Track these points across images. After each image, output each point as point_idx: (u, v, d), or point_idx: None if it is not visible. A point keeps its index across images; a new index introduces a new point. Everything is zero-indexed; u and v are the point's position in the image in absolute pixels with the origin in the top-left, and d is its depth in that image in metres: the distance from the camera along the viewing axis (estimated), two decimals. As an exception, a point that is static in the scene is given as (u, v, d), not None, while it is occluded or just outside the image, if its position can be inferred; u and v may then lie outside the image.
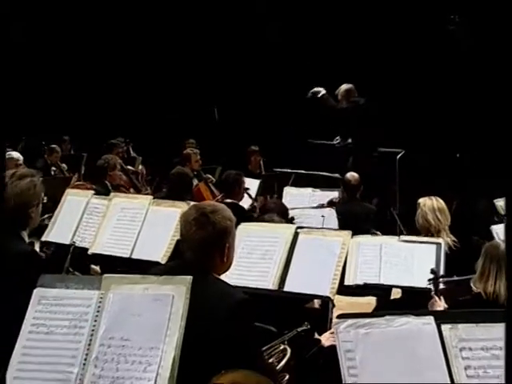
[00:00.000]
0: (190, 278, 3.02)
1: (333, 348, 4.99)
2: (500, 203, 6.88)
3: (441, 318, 2.69)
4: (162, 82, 13.01)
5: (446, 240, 5.95)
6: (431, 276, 4.89)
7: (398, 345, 2.67)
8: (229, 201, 6.98)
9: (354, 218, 6.97)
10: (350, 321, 2.72)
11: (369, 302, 5.98)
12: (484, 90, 9.91)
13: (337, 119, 10.23)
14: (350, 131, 10.15)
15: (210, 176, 9.72)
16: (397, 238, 5.76)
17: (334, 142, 10.25)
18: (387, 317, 2.69)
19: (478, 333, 2.63)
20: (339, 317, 2.76)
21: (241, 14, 12.69)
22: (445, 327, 2.65)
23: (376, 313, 2.91)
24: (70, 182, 7.72)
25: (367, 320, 2.71)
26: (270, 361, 3.82)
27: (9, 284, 3.70)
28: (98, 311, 3.00)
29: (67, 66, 13.76)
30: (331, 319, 5.61)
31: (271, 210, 5.71)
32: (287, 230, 4.78)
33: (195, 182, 8.83)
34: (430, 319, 2.68)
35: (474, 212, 8.30)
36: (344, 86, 10.13)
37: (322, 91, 10.14)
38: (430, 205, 6.28)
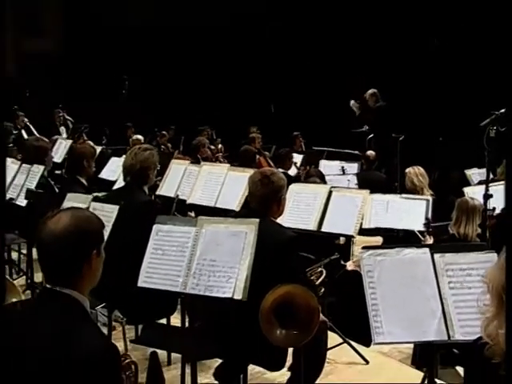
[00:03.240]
0: (257, 220, 3.06)
1: (354, 271, 5.04)
2: (469, 173, 6.89)
3: (433, 249, 2.72)
4: (237, 85, 13.00)
5: (426, 194, 6.06)
6: (425, 222, 4.92)
7: (404, 267, 2.71)
8: (281, 170, 6.98)
9: (371, 182, 6.93)
10: (371, 251, 2.75)
11: (377, 241, 6.02)
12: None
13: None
14: (370, 123, 10.25)
15: (267, 153, 9.70)
16: (399, 195, 5.78)
17: (364, 129, 10.36)
18: (397, 248, 2.73)
19: (457, 259, 2.69)
20: (363, 248, 2.78)
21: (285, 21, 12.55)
22: (436, 255, 2.71)
23: (388, 245, 2.90)
24: (173, 156, 7.76)
25: (382, 250, 2.75)
26: (311, 278, 3.85)
27: (137, 222, 3.75)
28: (194, 241, 3.06)
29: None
30: (353, 251, 5.65)
31: (313, 175, 5.71)
32: (324, 188, 4.77)
33: (257, 156, 8.86)
34: (426, 250, 2.71)
35: (450, 179, 8.27)
36: (370, 91, 10.36)
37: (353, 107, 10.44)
38: (414, 171, 6.38)
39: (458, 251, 2.74)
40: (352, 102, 10.62)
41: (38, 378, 1.83)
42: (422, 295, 2.67)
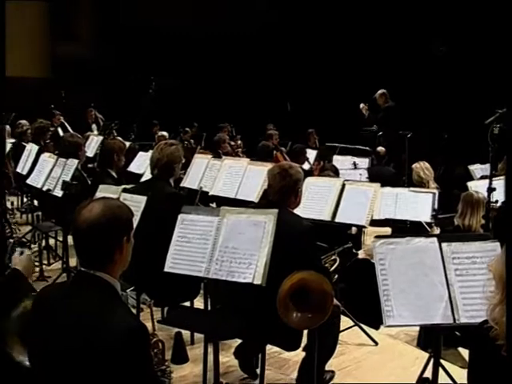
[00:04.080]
0: (276, 210, 3.04)
1: (364, 260, 5.01)
2: (472, 168, 6.82)
3: (441, 239, 2.69)
4: (255, 85, 12.95)
5: (432, 187, 6.03)
6: (433, 213, 4.89)
7: (413, 256, 2.68)
8: (296, 165, 6.93)
9: (381, 176, 6.88)
10: (383, 240, 2.73)
11: (386, 231, 5.98)
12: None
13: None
14: (379, 122, 10.20)
15: (283, 148, 9.66)
16: (407, 189, 5.74)
17: (373, 129, 10.32)
18: (407, 237, 2.70)
19: (463, 248, 2.65)
20: (376, 237, 2.75)
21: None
22: (444, 244, 2.68)
23: (399, 234, 2.87)
24: (196, 151, 7.75)
25: (394, 239, 2.72)
26: (326, 265, 3.83)
27: (164, 212, 3.73)
28: (217, 229, 3.04)
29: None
30: (363, 241, 5.61)
31: (327, 169, 5.68)
32: (338, 181, 4.73)
33: (274, 152, 8.81)
34: (435, 239, 2.68)
35: (454, 174, 8.21)
36: (380, 91, 10.31)
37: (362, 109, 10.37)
38: (420, 166, 6.36)
39: (463, 241, 2.72)
40: (361, 105, 10.55)
41: (74, 354, 1.83)
42: (430, 281, 2.65)
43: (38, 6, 16.57)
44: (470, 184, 5.81)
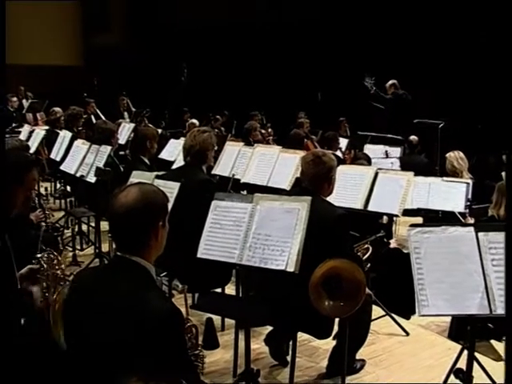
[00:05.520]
0: (310, 198, 3.01)
1: (396, 249, 4.96)
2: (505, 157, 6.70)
3: (478, 228, 2.63)
4: (286, 74, 12.88)
5: (465, 177, 5.92)
6: (468, 203, 4.81)
7: (449, 245, 2.63)
8: (329, 152, 6.86)
9: (413, 165, 6.76)
10: (418, 228, 2.69)
11: (418, 221, 5.89)
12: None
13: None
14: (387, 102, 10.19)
15: (314, 136, 9.60)
16: (440, 178, 5.66)
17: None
18: (442, 226, 2.65)
19: (499, 238, 2.60)
20: (411, 225, 2.71)
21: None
22: (480, 234, 2.62)
23: (435, 223, 2.82)
24: (227, 138, 7.74)
25: (429, 228, 2.68)
26: (358, 254, 3.80)
27: (197, 198, 3.74)
28: (250, 216, 3.02)
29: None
30: (395, 230, 5.56)
31: (360, 158, 5.62)
32: (370, 170, 4.67)
33: (305, 140, 8.75)
34: (471, 229, 2.63)
35: (488, 163, 8.07)
36: (390, 81, 10.31)
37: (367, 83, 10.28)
38: (454, 155, 6.22)
39: (500, 230, 2.65)
40: (366, 78, 10.41)
41: (112, 336, 1.84)
42: (465, 271, 2.60)
43: (71, -5, 16.74)
44: (503, 174, 5.70)
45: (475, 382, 2.88)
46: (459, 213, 5.13)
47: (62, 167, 6.13)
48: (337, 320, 3.59)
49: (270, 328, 3.83)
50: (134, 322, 1.80)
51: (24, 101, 12.34)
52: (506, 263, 1.64)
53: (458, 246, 2.61)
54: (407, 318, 4.61)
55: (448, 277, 2.60)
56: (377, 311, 4.36)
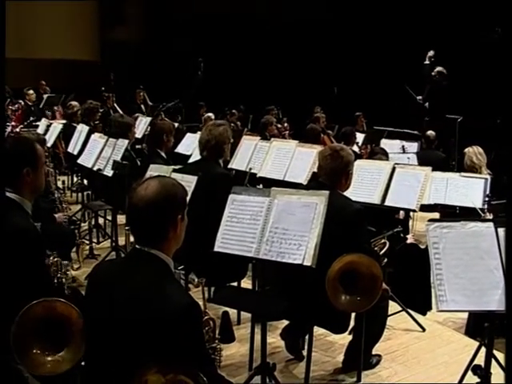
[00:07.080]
0: (327, 192, 2.99)
1: (413, 245, 4.92)
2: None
3: (497, 223, 2.60)
4: (303, 68, 12.86)
5: (484, 173, 5.84)
6: (487, 199, 4.76)
7: (468, 240, 2.59)
8: (347, 147, 6.82)
9: (430, 161, 6.70)
10: (437, 223, 2.65)
11: (434, 216, 5.84)
12: None
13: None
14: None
15: (330, 131, 9.56)
16: (458, 173, 5.60)
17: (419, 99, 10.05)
18: (462, 221, 2.62)
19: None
20: (429, 220, 2.68)
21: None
22: (500, 229, 2.57)
23: (454, 218, 2.78)
24: (243, 133, 7.73)
25: (448, 223, 2.64)
26: (375, 249, 3.78)
27: (214, 192, 3.74)
28: (268, 210, 3.00)
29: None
30: (412, 226, 5.52)
31: (378, 153, 5.58)
32: (388, 165, 4.64)
33: (321, 135, 8.72)
34: (491, 224, 2.59)
35: (506, 160, 7.97)
36: (439, 68, 9.91)
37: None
38: (473, 150, 6.10)
39: (520, 226, 2.62)
40: (431, 52, 10.11)
41: (131, 328, 1.84)
42: (485, 267, 2.56)
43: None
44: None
45: (493, 379, 2.85)
46: (479, 208, 5.08)
47: (79, 161, 6.16)
48: (353, 315, 3.58)
49: (286, 322, 3.83)
50: (153, 314, 1.80)
51: (45, 96, 12.40)
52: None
53: (477, 241, 2.57)
54: (423, 313, 4.58)
55: (467, 272, 2.57)
56: (393, 307, 4.33)
